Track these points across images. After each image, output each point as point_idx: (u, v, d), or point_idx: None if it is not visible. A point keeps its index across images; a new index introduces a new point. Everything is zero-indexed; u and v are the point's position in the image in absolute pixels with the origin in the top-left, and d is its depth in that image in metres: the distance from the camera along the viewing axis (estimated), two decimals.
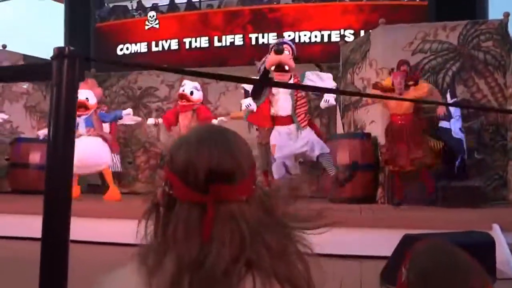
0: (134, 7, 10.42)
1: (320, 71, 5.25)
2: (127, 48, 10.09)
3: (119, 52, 10.07)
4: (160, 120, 6.10)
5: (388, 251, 3.04)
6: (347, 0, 9.18)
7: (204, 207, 0.74)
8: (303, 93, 4.79)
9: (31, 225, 4.28)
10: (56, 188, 0.84)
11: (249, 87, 4.89)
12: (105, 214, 4.49)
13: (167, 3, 10.18)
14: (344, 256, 3.48)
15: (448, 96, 5.16)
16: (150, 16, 9.77)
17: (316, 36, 9.12)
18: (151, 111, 7.93)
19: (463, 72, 5.68)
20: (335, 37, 8.91)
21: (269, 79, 4.61)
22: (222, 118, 5.88)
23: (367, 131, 5.96)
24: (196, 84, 5.78)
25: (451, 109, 4.95)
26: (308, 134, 4.69)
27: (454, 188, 5.04)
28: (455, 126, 4.94)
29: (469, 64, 5.67)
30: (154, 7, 10.21)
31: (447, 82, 5.67)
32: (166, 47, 9.84)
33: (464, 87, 5.60)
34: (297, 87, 4.96)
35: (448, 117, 4.94)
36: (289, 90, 4.65)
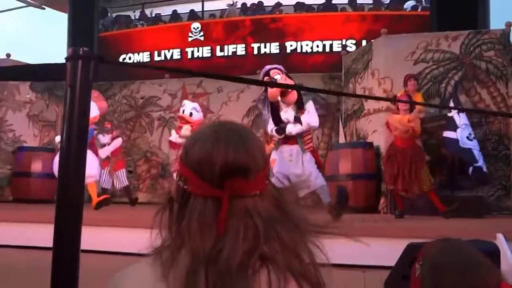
0: (137, 17, 10.49)
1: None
2: (130, 58, 10.15)
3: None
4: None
5: (391, 261, 3.01)
6: (349, 10, 9.24)
7: (219, 201, 0.75)
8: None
9: (32, 234, 4.29)
10: (69, 187, 0.84)
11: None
12: (105, 223, 4.48)
13: (170, 13, 10.25)
14: (347, 265, 3.46)
15: (452, 105, 5.15)
16: (194, 28, 9.68)
17: (318, 46, 9.16)
18: (153, 120, 7.95)
19: (465, 81, 5.70)
20: (337, 47, 8.95)
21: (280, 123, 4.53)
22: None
23: (370, 140, 5.96)
24: (196, 105, 5.82)
25: (457, 119, 4.93)
26: (308, 165, 4.51)
27: (457, 198, 5.02)
28: (462, 135, 4.91)
29: (471, 74, 5.69)
30: (157, 17, 10.28)
31: (449, 92, 5.68)
32: (168, 57, 9.90)
33: (467, 97, 5.61)
34: (314, 90, 4.85)
35: (454, 127, 4.92)
36: (293, 113, 4.54)
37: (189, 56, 9.78)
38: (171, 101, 7.87)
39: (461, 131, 4.92)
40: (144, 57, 10.05)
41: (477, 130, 5.40)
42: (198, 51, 9.74)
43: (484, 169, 4.96)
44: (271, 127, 4.63)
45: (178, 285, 0.72)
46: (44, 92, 7.67)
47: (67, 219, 0.86)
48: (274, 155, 4.61)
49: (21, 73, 1.09)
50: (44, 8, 11.49)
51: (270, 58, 9.02)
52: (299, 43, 9.19)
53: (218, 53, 9.62)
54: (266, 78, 4.56)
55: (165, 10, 10.24)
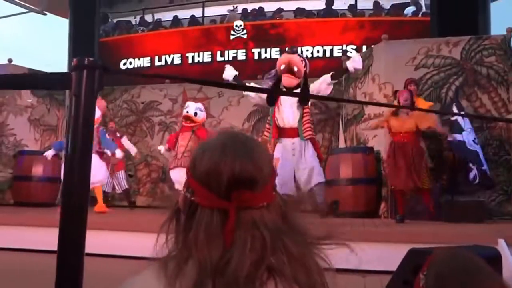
0: (138, 23, 10.53)
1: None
2: (130, 63, 10.18)
3: (122, 67, 10.15)
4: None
5: (392, 266, 3.01)
6: (349, 16, 9.27)
7: (226, 213, 0.75)
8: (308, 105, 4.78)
9: (33, 237, 4.30)
10: (73, 196, 0.85)
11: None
12: (106, 227, 4.48)
13: (170, 19, 10.29)
14: (348, 270, 3.45)
15: (455, 109, 5.16)
16: (236, 26, 9.60)
17: (318, 51, 9.20)
18: (153, 124, 7.96)
19: (466, 87, 5.70)
20: (337, 52, 8.99)
21: (279, 88, 4.61)
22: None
23: (370, 145, 5.97)
24: (199, 105, 5.84)
25: (461, 122, 4.94)
26: (311, 159, 4.61)
27: (458, 203, 5.02)
28: (468, 138, 4.92)
29: (472, 79, 5.70)
30: (158, 23, 10.32)
31: (450, 97, 5.69)
32: (169, 62, 9.93)
33: (467, 102, 5.62)
34: (310, 96, 4.94)
35: (459, 130, 4.93)
36: (295, 101, 4.62)
37: (190, 61, 9.81)
38: (172, 106, 7.89)
39: (467, 134, 4.93)
40: (144, 62, 10.09)
41: (478, 135, 5.39)
42: (198, 56, 9.77)
43: (488, 173, 4.97)
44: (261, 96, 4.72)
45: None
46: (45, 96, 7.70)
47: (71, 225, 0.87)
48: (277, 154, 4.62)
49: (24, 82, 1.10)
50: (45, 14, 11.54)
51: (270, 63, 9.07)
52: (299, 48, 9.22)
53: (219, 58, 9.66)
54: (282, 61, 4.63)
55: (166, 16, 10.29)
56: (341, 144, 6.75)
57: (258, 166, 0.78)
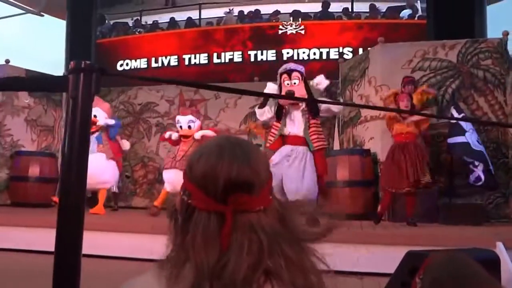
0: (135, 24, 10.53)
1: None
2: (127, 64, 10.17)
3: (119, 68, 10.14)
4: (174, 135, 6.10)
5: (390, 268, 3.01)
6: (346, 19, 9.29)
7: (223, 216, 0.75)
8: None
9: (30, 237, 4.28)
10: (70, 198, 0.85)
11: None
12: (104, 228, 4.47)
13: (167, 20, 10.29)
14: (345, 272, 3.45)
15: (454, 112, 5.16)
16: (292, 22, 9.35)
17: (315, 54, 9.21)
18: (151, 126, 7.95)
19: (462, 89, 5.72)
20: (333, 55, 9.00)
21: (281, 113, 4.56)
22: None
23: (366, 147, 5.97)
24: (190, 117, 5.85)
25: (463, 123, 4.95)
26: (308, 178, 4.31)
27: (456, 206, 5.02)
28: (472, 139, 4.92)
29: (468, 82, 5.72)
30: (155, 24, 10.31)
31: (447, 100, 5.71)
32: (165, 63, 9.92)
33: (464, 105, 5.63)
34: (317, 101, 4.89)
35: (461, 132, 4.93)
36: (300, 113, 4.52)
37: (186, 62, 9.81)
38: (169, 107, 7.87)
39: (470, 135, 4.93)
40: (141, 63, 10.07)
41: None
42: (195, 58, 9.77)
43: (493, 173, 4.98)
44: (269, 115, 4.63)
45: None
46: (42, 97, 7.70)
47: (68, 225, 0.87)
48: (273, 157, 4.47)
49: (22, 84, 1.09)
50: (42, 15, 11.52)
51: (267, 64, 9.08)
52: (295, 50, 9.23)
53: (216, 60, 9.66)
54: (284, 76, 4.57)
55: (163, 18, 10.29)
56: (336, 146, 6.76)
57: (255, 170, 0.78)
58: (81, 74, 0.82)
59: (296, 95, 4.35)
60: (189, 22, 10.14)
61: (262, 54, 9.45)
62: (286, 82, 4.54)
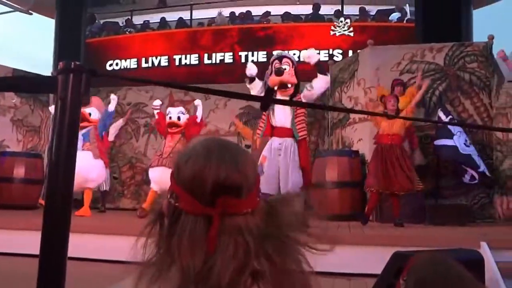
0: (125, 24, 10.46)
1: None
2: (117, 64, 10.10)
3: (108, 68, 10.06)
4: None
5: (377, 269, 3.04)
6: (335, 22, 9.33)
7: (210, 219, 0.74)
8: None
9: (15, 240, 4.23)
10: (56, 200, 0.84)
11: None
12: (92, 230, 4.44)
13: (158, 21, 10.25)
14: (333, 273, 3.47)
15: (441, 114, 5.22)
16: (341, 21, 9.10)
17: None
18: (139, 126, 7.91)
19: (449, 92, 5.80)
20: (323, 57, 9.03)
21: (272, 96, 4.68)
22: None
23: (355, 148, 6.01)
24: (181, 108, 5.91)
25: (450, 126, 5.01)
26: (295, 171, 4.57)
27: (442, 207, 5.08)
28: (459, 142, 4.96)
29: (455, 85, 5.79)
30: (145, 24, 10.26)
31: (434, 102, 5.77)
32: (156, 64, 9.87)
33: (451, 107, 5.71)
34: (298, 104, 5.02)
35: (449, 135, 4.98)
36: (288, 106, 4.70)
37: (177, 63, 9.77)
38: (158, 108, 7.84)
39: (458, 138, 4.97)
40: (131, 63, 10.01)
41: None
42: (185, 58, 9.73)
43: (487, 173, 5.03)
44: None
45: None
46: (29, 97, 7.61)
47: (54, 228, 0.86)
48: (265, 152, 4.66)
49: (9, 84, 1.09)
50: (31, 14, 11.39)
51: (257, 66, 9.06)
52: (286, 52, 9.24)
53: (206, 61, 9.64)
54: (275, 62, 4.73)
55: (153, 18, 10.24)
56: (324, 147, 6.81)
57: (243, 172, 0.78)
58: (71, 75, 0.82)
59: (285, 79, 4.61)
60: (180, 22, 10.11)
61: (253, 55, 9.46)
62: (276, 66, 4.74)
